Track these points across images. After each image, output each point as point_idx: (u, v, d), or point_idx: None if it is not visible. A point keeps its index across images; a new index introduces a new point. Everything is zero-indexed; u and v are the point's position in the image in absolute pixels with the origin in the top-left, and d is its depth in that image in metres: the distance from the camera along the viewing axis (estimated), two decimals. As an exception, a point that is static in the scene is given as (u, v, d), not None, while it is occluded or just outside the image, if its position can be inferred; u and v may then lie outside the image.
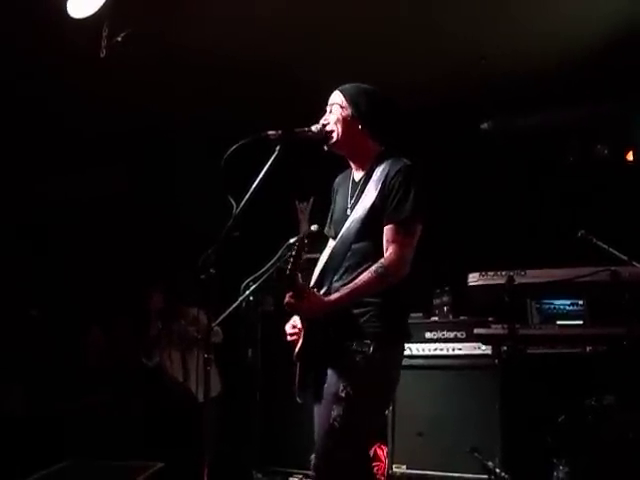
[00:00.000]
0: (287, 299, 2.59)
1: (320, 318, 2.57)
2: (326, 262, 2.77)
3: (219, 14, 4.06)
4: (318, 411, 2.65)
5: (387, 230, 2.59)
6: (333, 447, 2.51)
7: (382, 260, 2.54)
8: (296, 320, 2.76)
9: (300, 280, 2.57)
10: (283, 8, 4.01)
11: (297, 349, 2.68)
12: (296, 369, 2.70)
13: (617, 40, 4.28)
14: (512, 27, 4.26)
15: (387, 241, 2.58)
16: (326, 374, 2.59)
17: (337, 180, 2.97)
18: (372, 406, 2.60)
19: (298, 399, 2.69)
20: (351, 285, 2.55)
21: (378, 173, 2.67)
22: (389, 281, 2.54)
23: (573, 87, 4.64)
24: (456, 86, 4.91)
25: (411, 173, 2.63)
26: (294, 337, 2.74)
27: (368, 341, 2.53)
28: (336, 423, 2.49)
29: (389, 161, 2.68)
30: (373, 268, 2.53)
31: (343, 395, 2.50)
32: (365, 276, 2.54)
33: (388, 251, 2.56)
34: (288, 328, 2.78)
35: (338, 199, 2.89)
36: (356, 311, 2.58)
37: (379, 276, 2.52)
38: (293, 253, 2.51)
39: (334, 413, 2.50)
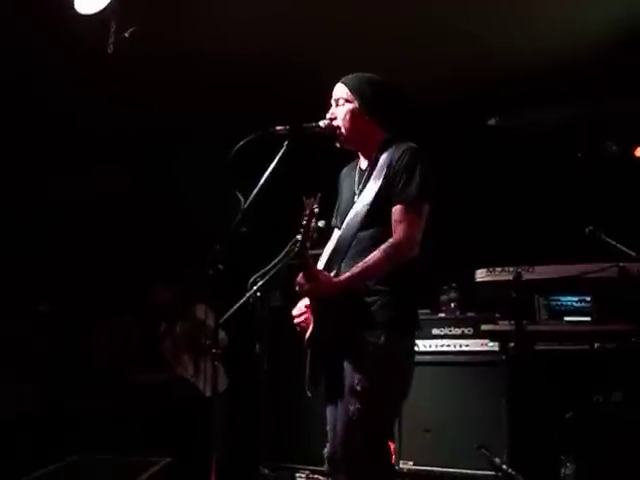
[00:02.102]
0: (298, 279, 2.57)
1: (330, 300, 2.55)
2: (333, 249, 2.77)
3: (227, 10, 4.05)
4: (331, 404, 2.67)
5: (395, 211, 2.58)
6: (353, 441, 2.50)
7: (391, 240, 2.54)
8: (302, 304, 2.75)
9: (309, 258, 2.55)
10: (293, 4, 4.00)
11: (308, 334, 2.67)
12: (306, 360, 2.68)
13: (627, 37, 4.25)
14: (521, 22, 4.23)
15: (395, 221, 2.57)
16: (338, 365, 2.58)
17: (343, 171, 2.96)
18: (388, 397, 2.58)
19: (308, 392, 2.68)
20: (361, 264, 2.53)
21: (384, 158, 2.66)
22: (399, 260, 2.53)
23: (582, 83, 4.61)
24: (463, 81, 4.88)
25: (416, 154, 2.62)
26: (301, 319, 2.73)
27: (379, 331, 2.51)
28: (355, 417, 2.48)
29: (394, 146, 2.68)
30: (382, 247, 2.52)
31: (359, 388, 2.49)
32: (375, 255, 2.52)
33: (397, 231, 2.55)
34: (295, 311, 2.77)
35: (344, 189, 2.89)
36: (366, 300, 2.56)
37: (388, 255, 2.51)
38: (303, 222, 2.49)
39: (352, 407, 2.49)
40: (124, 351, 5.36)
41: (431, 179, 2.60)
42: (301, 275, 2.56)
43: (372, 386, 2.50)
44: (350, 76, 2.78)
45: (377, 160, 2.69)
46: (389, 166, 2.62)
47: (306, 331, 2.69)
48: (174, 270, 5.42)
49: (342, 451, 2.55)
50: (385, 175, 2.61)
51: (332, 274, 2.65)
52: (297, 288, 2.61)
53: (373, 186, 2.64)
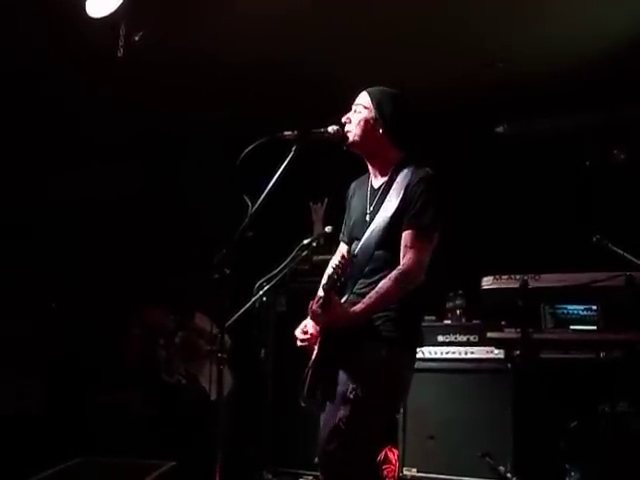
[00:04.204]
0: (313, 307, 2.59)
1: (341, 329, 2.56)
2: (353, 264, 2.73)
3: (236, 14, 4.06)
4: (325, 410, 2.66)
5: (406, 235, 2.59)
6: (337, 447, 2.50)
7: (400, 267, 2.55)
8: (307, 325, 2.76)
9: (334, 297, 2.56)
10: (299, 9, 4.00)
11: (313, 358, 2.68)
12: (307, 374, 2.68)
13: (635, 43, 4.24)
14: (529, 29, 4.22)
15: (405, 246, 2.58)
16: (336, 374, 2.59)
17: (352, 186, 2.95)
18: (380, 409, 2.60)
19: (302, 403, 2.68)
20: (373, 295, 2.54)
21: (399, 181, 2.66)
22: (408, 287, 2.55)
23: (590, 90, 4.60)
24: (472, 89, 4.88)
25: (433, 182, 2.64)
26: (305, 343, 2.74)
27: (381, 344, 2.53)
28: (342, 424, 2.49)
29: (411, 168, 2.68)
30: (392, 275, 2.53)
31: (351, 396, 2.49)
32: (385, 284, 2.53)
33: (406, 256, 2.56)
34: (298, 333, 2.78)
35: (354, 205, 2.87)
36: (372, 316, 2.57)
37: (399, 282, 2.52)
38: (335, 276, 2.49)
39: (341, 413, 2.50)
40: (150, 352, 5.34)
41: (443, 208, 2.62)
42: (316, 303, 2.57)
43: (365, 396, 2.50)
44: (376, 88, 2.80)
45: (392, 181, 2.69)
46: (405, 189, 2.62)
47: (308, 351, 2.71)
48: (178, 275, 5.42)
49: (324, 455, 2.56)
50: (401, 199, 2.61)
51: (344, 297, 2.66)
52: (310, 315, 2.63)
53: (388, 209, 2.63)
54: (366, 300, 2.55)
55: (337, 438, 2.50)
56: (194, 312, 5.18)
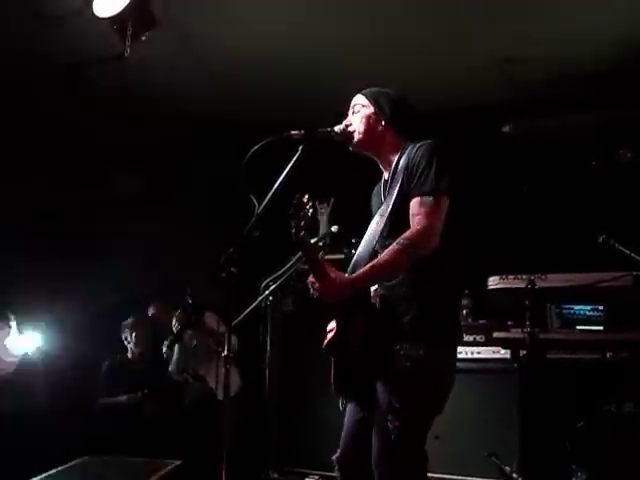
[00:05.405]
0: (309, 278, 2.50)
1: (347, 300, 2.46)
2: (354, 261, 2.66)
3: (243, 14, 4.07)
4: (352, 411, 2.62)
5: (412, 205, 2.48)
6: (394, 459, 2.42)
7: (407, 232, 2.42)
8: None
9: (309, 240, 2.47)
10: (310, 13, 4.01)
11: (327, 340, 2.58)
12: (330, 369, 2.61)
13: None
14: (536, 29, 4.22)
15: (412, 215, 2.46)
16: (372, 379, 2.49)
17: (374, 190, 2.88)
18: (427, 412, 2.50)
19: (340, 406, 2.63)
20: (374, 261, 2.44)
21: (402, 162, 2.61)
22: (417, 252, 2.40)
23: (596, 90, 4.60)
24: (478, 89, 4.89)
25: (432, 147, 2.56)
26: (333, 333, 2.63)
27: (418, 343, 2.40)
28: (393, 435, 2.39)
29: (411, 146, 2.63)
30: (398, 240, 2.41)
31: (397, 406, 2.39)
32: (389, 250, 2.41)
33: (413, 224, 2.44)
34: (330, 327, 2.67)
35: (374, 204, 2.82)
36: (401, 309, 2.46)
37: (402, 247, 2.38)
38: (291, 212, 2.37)
39: (391, 425, 2.39)
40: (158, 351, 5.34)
41: (448, 171, 2.51)
42: (312, 274, 2.49)
43: (411, 403, 2.40)
44: (368, 88, 2.80)
45: (397, 167, 2.65)
46: (406, 167, 2.56)
47: (332, 339, 2.59)
48: (186, 274, 5.42)
49: (382, 469, 2.44)
50: (403, 178, 2.56)
51: None
52: (310, 289, 2.53)
53: (394, 191, 2.58)
54: (367, 266, 2.46)
55: (392, 450, 2.41)
56: (203, 311, 5.19)
